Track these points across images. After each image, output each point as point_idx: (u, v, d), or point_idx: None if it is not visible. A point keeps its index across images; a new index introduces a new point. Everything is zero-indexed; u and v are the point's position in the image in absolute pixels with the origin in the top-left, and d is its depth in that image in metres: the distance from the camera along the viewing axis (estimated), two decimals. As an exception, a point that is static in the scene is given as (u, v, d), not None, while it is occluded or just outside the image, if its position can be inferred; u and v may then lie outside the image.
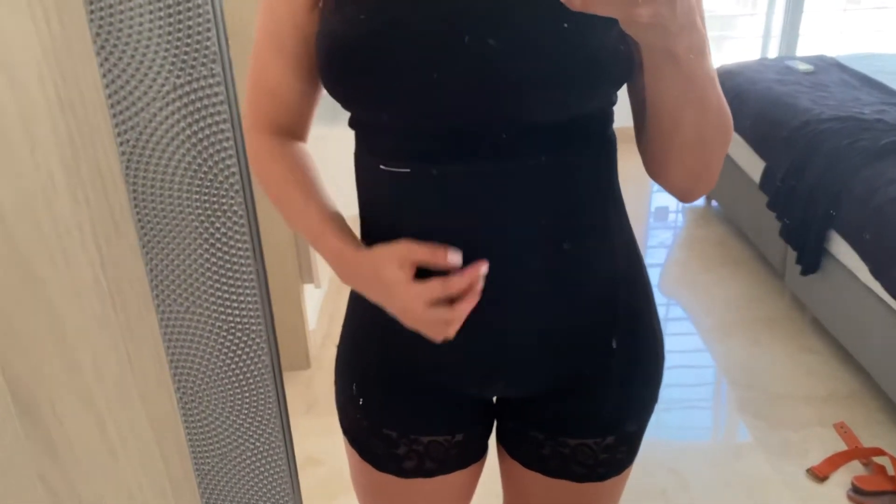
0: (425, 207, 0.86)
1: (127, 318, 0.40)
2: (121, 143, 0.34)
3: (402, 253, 0.84)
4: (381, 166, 0.87)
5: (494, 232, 0.86)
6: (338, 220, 0.92)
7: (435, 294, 0.83)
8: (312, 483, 2.23)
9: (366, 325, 0.99)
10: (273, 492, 0.43)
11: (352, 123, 0.92)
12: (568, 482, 1.02)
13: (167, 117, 0.34)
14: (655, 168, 0.92)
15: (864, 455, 2.22)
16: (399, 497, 1.08)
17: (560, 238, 0.88)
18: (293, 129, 0.99)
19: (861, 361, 2.50)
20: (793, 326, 2.89)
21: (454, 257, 0.83)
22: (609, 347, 0.95)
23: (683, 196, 0.94)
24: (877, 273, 2.30)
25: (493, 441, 1.12)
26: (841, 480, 2.17)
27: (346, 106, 0.88)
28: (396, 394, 1.00)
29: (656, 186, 4.25)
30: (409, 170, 0.85)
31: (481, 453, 1.10)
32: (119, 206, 0.37)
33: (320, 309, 2.92)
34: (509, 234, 0.87)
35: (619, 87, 0.87)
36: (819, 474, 2.17)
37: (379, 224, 0.90)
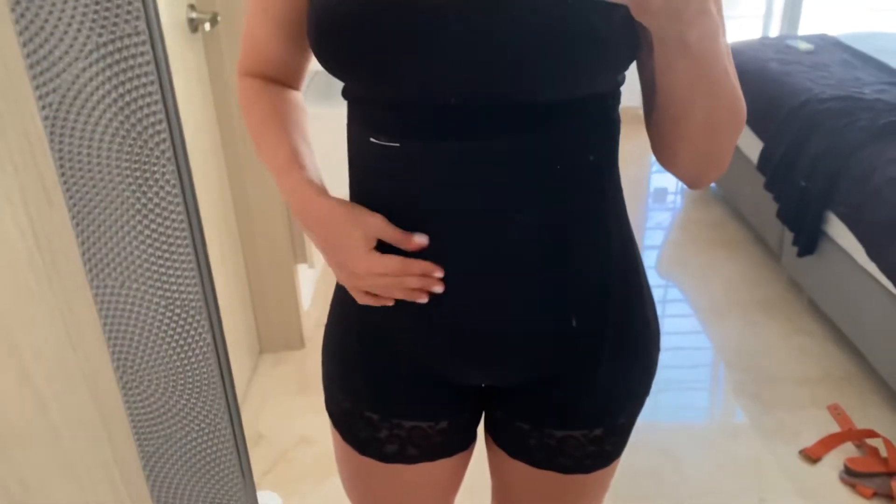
0: (414, 183, 0.84)
1: (64, 293, 0.38)
2: (42, 107, 0.32)
3: (375, 229, 0.84)
4: (372, 139, 0.85)
5: (484, 212, 0.84)
6: (307, 161, 0.91)
7: (390, 269, 0.84)
8: (306, 462, 2.22)
9: (349, 308, 0.97)
10: (220, 475, 0.41)
11: (345, 93, 0.90)
12: (554, 473, 1.00)
13: (91, 79, 0.31)
14: (664, 153, 0.89)
15: (858, 437, 2.21)
16: (381, 482, 1.06)
17: (551, 222, 0.86)
18: (283, 82, 1.00)
19: (856, 343, 2.48)
20: (789, 308, 2.87)
21: (421, 239, 0.84)
22: (599, 337, 0.93)
23: (692, 182, 0.91)
24: (873, 255, 2.28)
25: (482, 429, 1.10)
26: (834, 462, 2.16)
27: (338, 77, 0.86)
28: (379, 376, 0.98)
29: (655, 167, 4.22)
30: (398, 144, 0.83)
31: (468, 442, 1.08)
32: (50, 175, 0.35)
33: (314, 289, 2.91)
34: (499, 215, 0.84)
35: (622, 70, 0.84)
36: (812, 456, 2.17)
37: (368, 196, 0.88)
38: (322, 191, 0.88)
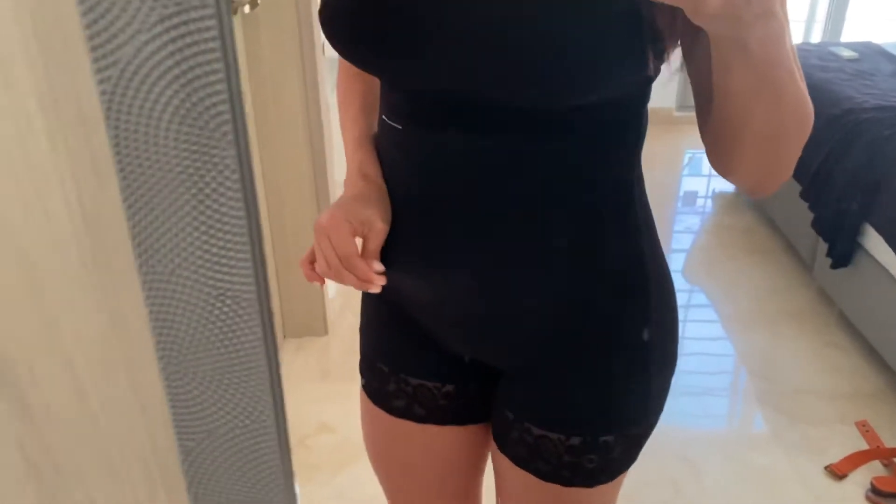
0: (411, 167, 0.87)
1: (111, 278, 0.36)
2: (100, 82, 0.30)
3: (371, 232, 0.87)
4: (384, 117, 0.89)
5: (474, 206, 0.84)
6: (370, 146, 0.95)
7: (339, 250, 0.87)
8: (324, 450, 2.22)
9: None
10: (261, 475, 0.40)
11: None
12: (532, 477, 0.97)
13: (153, 53, 0.30)
14: (720, 161, 0.84)
15: (886, 455, 2.16)
16: (392, 438, 1.08)
17: (544, 222, 0.84)
18: None
19: (888, 360, 2.42)
20: (819, 320, 2.82)
21: (377, 280, 0.88)
22: (576, 342, 0.90)
23: (752, 191, 0.86)
24: (912, 270, 2.22)
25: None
26: (860, 480, 2.11)
27: (352, 64, 0.88)
28: (391, 331, 1.02)
29: (687, 170, 4.16)
30: (401, 127, 0.86)
31: (478, 416, 1.06)
32: (102, 155, 0.33)
33: (338, 277, 2.90)
34: (492, 211, 0.83)
35: (632, 77, 0.78)
36: (838, 472, 2.12)
37: (382, 172, 0.92)
38: (368, 174, 0.91)
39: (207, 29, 0.28)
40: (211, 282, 0.33)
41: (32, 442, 0.40)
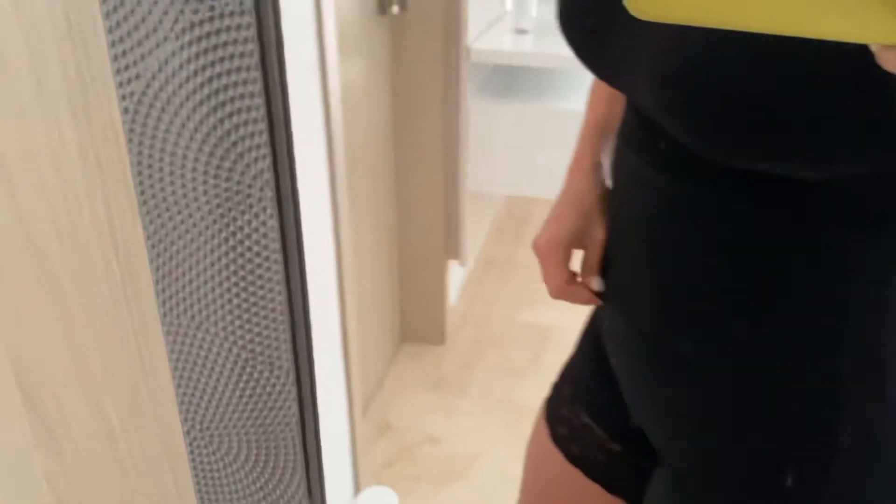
0: (614, 185, 0.81)
1: (141, 314, 0.31)
2: (122, 97, 0.25)
3: (589, 242, 0.84)
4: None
5: (641, 247, 0.73)
6: (608, 132, 0.91)
7: (562, 277, 0.85)
8: (428, 462, 2.17)
9: None
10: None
11: None
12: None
13: (180, 66, 0.24)
14: None
15: None
16: (540, 458, 1.00)
17: (719, 297, 0.68)
18: None
19: None
20: None
21: (596, 285, 0.82)
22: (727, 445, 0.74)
23: None
24: None
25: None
26: None
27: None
28: (590, 358, 0.94)
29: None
30: (617, 143, 0.81)
31: (636, 496, 0.94)
32: (133, 174, 0.28)
33: (463, 287, 2.86)
34: (657, 261, 0.71)
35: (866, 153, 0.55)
36: None
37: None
38: (584, 167, 0.88)
39: (244, 40, 0.22)
40: (241, 342, 0.27)
41: (61, 479, 0.37)
